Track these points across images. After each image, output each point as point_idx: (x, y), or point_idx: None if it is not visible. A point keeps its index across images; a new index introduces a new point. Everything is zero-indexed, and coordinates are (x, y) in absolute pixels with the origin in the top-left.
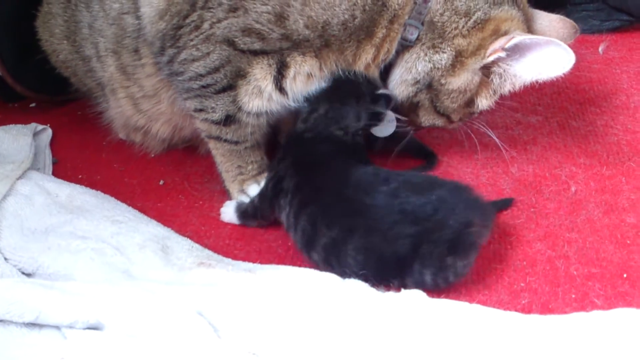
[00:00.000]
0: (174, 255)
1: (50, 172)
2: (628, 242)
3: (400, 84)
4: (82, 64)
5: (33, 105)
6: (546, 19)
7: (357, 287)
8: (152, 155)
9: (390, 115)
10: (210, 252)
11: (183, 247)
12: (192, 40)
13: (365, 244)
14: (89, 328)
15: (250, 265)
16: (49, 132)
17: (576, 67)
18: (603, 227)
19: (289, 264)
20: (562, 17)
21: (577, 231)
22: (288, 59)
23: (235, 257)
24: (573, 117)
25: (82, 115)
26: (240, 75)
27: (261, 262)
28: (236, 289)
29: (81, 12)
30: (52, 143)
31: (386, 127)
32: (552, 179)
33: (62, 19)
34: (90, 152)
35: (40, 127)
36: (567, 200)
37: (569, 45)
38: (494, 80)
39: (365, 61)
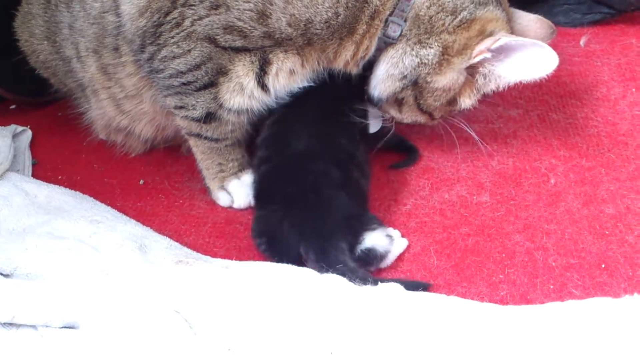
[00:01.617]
0: (152, 254)
1: (30, 174)
2: (606, 232)
3: (386, 79)
4: (62, 64)
5: (13, 107)
6: (525, 19)
7: (334, 282)
8: (133, 155)
9: (377, 112)
10: (188, 250)
11: (161, 245)
12: (172, 37)
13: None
14: (65, 327)
15: (227, 262)
16: (28, 134)
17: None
18: (582, 218)
19: (269, 261)
20: (539, 17)
21: (556, 222)
22: (270, 56)
23: (214, 255)
24: (553, 110)
25: (63, 117)
26: (221, 72)
27: (240, 260)
28: (213, 286)
29: (61, 12)
30: (32, 144)
31: (376, 124)
32: (531, 171)
33: (42, 19)
34: (70, 153)
35: (20, 128)
36: (546, 192)
37: (549, 44)
38: (479, 80)
39: (344, 58)
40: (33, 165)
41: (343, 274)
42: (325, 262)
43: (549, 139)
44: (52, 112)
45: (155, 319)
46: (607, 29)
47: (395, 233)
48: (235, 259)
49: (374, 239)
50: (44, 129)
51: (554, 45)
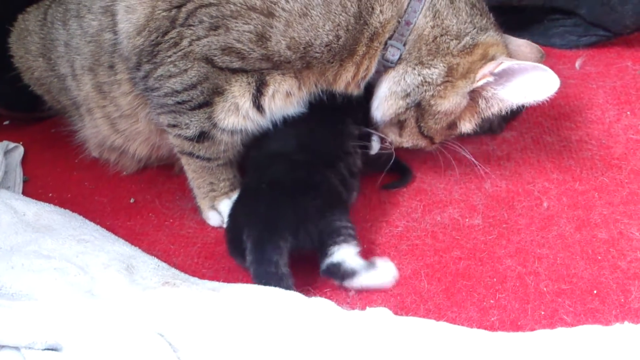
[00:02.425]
0: (139, 275)
1: (20, 191)
2: (599, 258)
3: (389, 97)
4: (57, 81)
5: (7, 122)
6: (514, 43)
7: (322, 306)
8: (125, 174)
9: (375, 135)
10: (176, 271)
11: (149, 266)
12: (169, 56)
13: None
14: (47, 349)
15: (215, 284)
16: (20, 150)
17: None
18: (574, 242)
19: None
20: (529, 42)
21: (548, 247)
22: (267, 78)
23: (203, 276)
24: (548, 133)
25: (56, 133)
26: (217, 92)
27: (229, 281)
28: (199, 309)
29: (57, 30)
30: (25, 160)
31: (375, 146)
32: (524, 194)
33: (39, 36)
34: (61, 170)
35: (12, 145)
36: (539, 216)
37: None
38: (480, 104)
39: (345, 80)
40: (24, 182)
41: (269, 277)
42: (259, 256)
43: (542, 161)
44: (46, 128)
45: (138, 342)
46: (603, 52)
47: (385, 265)
48: (224, 280)
49: (343, 254)
50: (36, 146)
51: (549, 67)
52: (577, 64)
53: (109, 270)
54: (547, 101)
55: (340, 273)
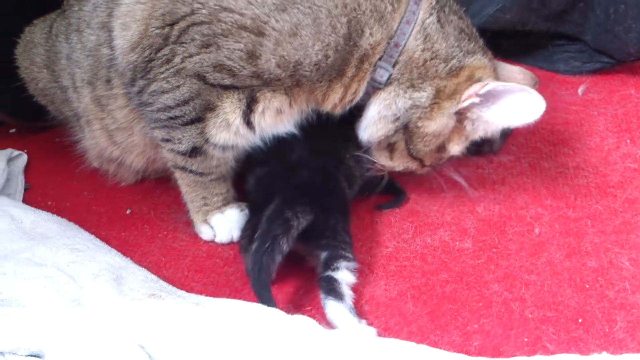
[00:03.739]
0: (127, 286)
1: (21, 198)
2: (587, 286)
3: (378, 121)
4: (60, 93)
5: (13, 130)
6: (507, 70)
7: (303, 324)
8: (123, 185)
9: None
10: (164, 284)
11: (138, 277)
12: (162, 73)
13: None
14: (30, 355)
15: (200, 298)
16: (24, 158)
17: (554, 108)
18: (563, 270)
19: (246, 297)
20: (522, 68)
21: (536, 273)
22: (258, 95)
23: (192, 289)
24: (545, 158)
25: (59, 143)
26: (209, 108)
27: (217, 295)
28: (181, 322)
29: (61, 43)
30: (27, 168)
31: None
32: (517, 219)
33: (44, 48)
34: (62, 179)
35: (15, 152)
36: (529, 241)
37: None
38: (467, 126)
39: (333, 101)
40: (25, 189)
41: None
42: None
43: (537, 187)
44: (50, 137)
45: (118, 352)
46: (607, 78)
47: (366, 328)
48: (211, 294)
49: (345, 276)
50: (40, 154)
51: (551, 93)
52: (580, 90)
53: (98, 280)
54: (546, 126)
55: (332, 288)
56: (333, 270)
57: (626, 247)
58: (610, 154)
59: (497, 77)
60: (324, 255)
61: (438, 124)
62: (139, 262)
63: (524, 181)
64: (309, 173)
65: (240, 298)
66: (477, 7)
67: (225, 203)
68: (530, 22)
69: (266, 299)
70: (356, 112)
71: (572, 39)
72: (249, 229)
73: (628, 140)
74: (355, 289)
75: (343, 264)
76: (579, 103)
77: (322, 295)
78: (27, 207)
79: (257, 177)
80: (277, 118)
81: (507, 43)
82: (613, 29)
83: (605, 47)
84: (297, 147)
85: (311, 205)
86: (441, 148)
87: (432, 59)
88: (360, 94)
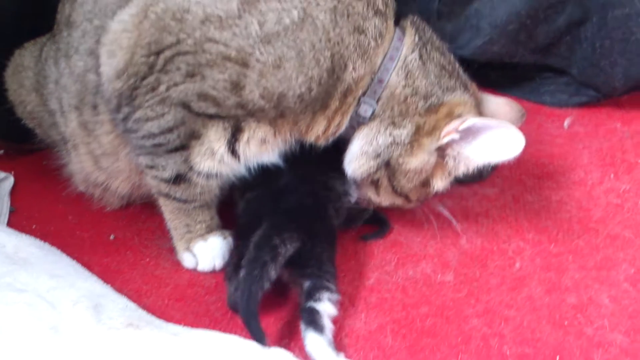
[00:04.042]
0: (105, 315)
1: (6, 221)
2: (565, 323)
3: (360, 156)
4: (47, 116)
5: (1, 152)
6: (493, 102)
7: (280, 357)
8: (108, 209)
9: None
10: (142, 313)
11: (117, 306)
12: (147, 100)
13: None
14: None
15: (178, 328)
16: (10, 181)
17: (539, 140)
18: (542, 306)
19: (225, 328)
20: (509, 100)
21: (516, 309)
22: (243, 124)
23: (171, 318)
24: (529, 191)
25: (47, 165)
26: (194, 136)
27: (197, 324)
28: (157, 353)
29: (50, 67)
30: (13, 190)
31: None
32: (498, 253)
33: (33, 71)
34: (48, 203)
35: (2, 174)
36: (510, 276)
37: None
38: (449, 162)
39: (316, 132)
40: (10, 212)
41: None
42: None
43: (520, 220)
44: (37, 159)
45: None
46: (593, 111)
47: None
48: (191, 324)
49: (327, 307)
50: (27, 176)
51: (538, 125)
52: (566, 123)
53: (77, 308)
54: (530, 159)
55: (313, 320)
56: (315, 301)
57: (606, 284)
58: (594, 189)
59: (479, 113)
60: (307, 284)
61: (419, 160)
62: (120, 289)
63: (507, 214)
64: (298, 197)
65: (219, 328)
66: (465, 39)
67: (209, 231)
68: (517, 55)
69: (255, 329)
70: (342, 146)
71: (559, 71)
72: (235, 256)
73: (612, 175)
74: (335, 320)
75: (325, 295)
76: (565, 136)
77: (302, 326)
78: (11, 230)
79: (247, 201)
80: (262, 147)
81: (494, 74)
82: (599, 63)
83: (591, 81)
84: (286, 172)
85: (298, 232)
86: (425, 184)
87: (412, 96)
88: (343, 126)
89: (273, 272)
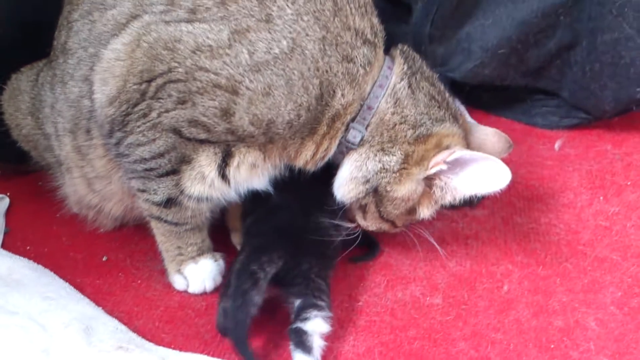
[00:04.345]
0: (96, 337)
1: (0, 242)
2: (552, 346)
3: (349, 181)
4: (43, 140)
5: None
6: (482, 132)
7: None
8: (102, 231)
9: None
10: (133, 335)
11: (108, 328)
12: (139, 126)
13: None
14: None
15: (167, 352)
16: (6, 202)
17: (530, 163)
18: (530, 329)
19: (215, 350)
20: (497, 131)
21: (503, 332)
22: (233, 149)
23: (161, 341)
24: (518, 213)
25: (42, 187)
26: (185, 161)
27: (186, 347)
28: None
29: (46, 92)
30: (9, 211)
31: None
32: (487, 276)
33: (29, 95)
34: (42, 224)
35: None
36: (498, 299)
37: (504, 159)
38: (436, 192)
39: (305, 157)
40: (5, 233)
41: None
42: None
43: (509, 242)
44: (33, 181)
45: None
46: (584, 134)
47: None
48: (181, 346)
49: (317, 326)
50: (22, 197)
51: (529, 147)
52: (557, 145)
53: (68, 330)
54: (521, 181)
55: (301, 341)
56: (302, 321)
57: (593, 307)
58: (583, 211)
59: (467, 144)
60: (297, 303)
61: (407, 188)
62: (111, 311)
63: (497, 236)
64: (290, 214)
65: (209, 350)
66: (456, 62)
67: (200, 253)
68: (508, 78)
69: (245, 353)
70: (332, 171)
71: (551, 94)
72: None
73: (601, 197)
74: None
75: (314, 313)
76: (555, 158)
77: (291, 347)
78: (5, 252)
79: (246, 227)
80: (252, 172)
81: (486, 96)
82: (589, 86)
83: (582, 104)
84: (281, 193)
85: (279, 251)
86: (412, 211)
87: (400, 124)
88: (332, 151)
89: (257, 298)
